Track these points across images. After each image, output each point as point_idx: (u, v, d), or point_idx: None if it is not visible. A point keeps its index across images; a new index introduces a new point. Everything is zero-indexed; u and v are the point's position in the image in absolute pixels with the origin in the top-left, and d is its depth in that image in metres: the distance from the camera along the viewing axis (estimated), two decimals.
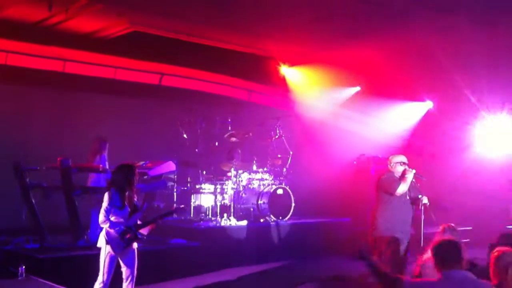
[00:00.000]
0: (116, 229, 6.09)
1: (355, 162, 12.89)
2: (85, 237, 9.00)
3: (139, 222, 6.31)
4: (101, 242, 6.14)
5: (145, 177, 9.40)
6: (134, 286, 6.33)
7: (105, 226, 6.09)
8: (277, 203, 11.25)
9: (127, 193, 6.20)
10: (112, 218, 6.12)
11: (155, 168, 9.69)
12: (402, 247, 7.09)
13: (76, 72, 11.63)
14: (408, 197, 7.21)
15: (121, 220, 6.14)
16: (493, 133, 12.29)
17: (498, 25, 9.28)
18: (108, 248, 6.07)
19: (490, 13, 8.93)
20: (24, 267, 7.45)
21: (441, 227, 5.33)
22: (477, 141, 12.64)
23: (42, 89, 11.65)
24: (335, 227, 12.11)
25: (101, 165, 9.32)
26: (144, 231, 6.29)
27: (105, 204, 6.14)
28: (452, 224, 5.85)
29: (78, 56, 11.53)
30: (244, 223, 10.87)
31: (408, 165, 7.25)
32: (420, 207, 7.14)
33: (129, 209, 6.19)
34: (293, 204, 11.45)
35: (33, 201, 8.85)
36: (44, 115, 11.62)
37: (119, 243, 6.08)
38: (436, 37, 10.30)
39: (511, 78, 10.93)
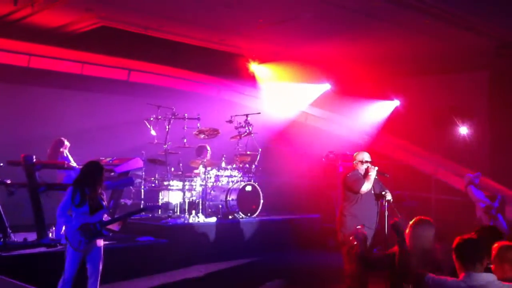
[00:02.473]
0: (72, 224, 6.06)
1: (323, 159, 12.97)
2: (50, 234, 8.86)
3: (105, 219, 6.26)
4: (63, 238, 6.15)
5: (112, 174, 9.27)
6: (101, 283, 6.29)
7: (60, 220, 6.05)
8: (245, 200, 11.26)
9: (88, 191, 6.15)
10: (72, 214, 6.09)
11: (122, 165, 9.57)
12: (368, 242, 7.17)
13: (41, 67, 11.43)
14: (372, 193, 7.31)
15: (81, 216, 6.09)
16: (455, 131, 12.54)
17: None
18: (68, 244, 6.06)
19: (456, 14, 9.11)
20: None
21: (414, 219, 5.38)
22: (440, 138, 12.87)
23: (6, 84, 11.41)
24: (304, 223, 12.19)
25: (66, 162, 9.18)
26: (114, 227, 6.26)
27: (64, 198, 6.13)
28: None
29: (44, 51, 11.33)
30: (213, 220, 10.85)
31: (371, 162, 7.36)
32: (384, 203, 7.24)
33: (89, 207, 6.13)
34: (261, 201, 11.46)
35: None
36: (8, 111, 11.38)
37: (79, 239, 6.04)
38: (402, 37, 10.47)
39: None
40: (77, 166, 9.15)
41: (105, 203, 6.35)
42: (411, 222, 5.19)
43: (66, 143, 9.77)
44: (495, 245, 4.40)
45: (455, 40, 10.49)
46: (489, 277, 4.17)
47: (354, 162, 7.49)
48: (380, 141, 13.41)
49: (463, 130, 12.53)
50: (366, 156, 7.44)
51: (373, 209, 7.34)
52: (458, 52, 11.28)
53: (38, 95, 11.79)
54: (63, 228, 6.12)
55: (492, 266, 4.35)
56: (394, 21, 9.65)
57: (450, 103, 12.59)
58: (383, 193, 7.23)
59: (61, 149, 9.58)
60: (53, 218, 8.95)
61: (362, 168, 7.37)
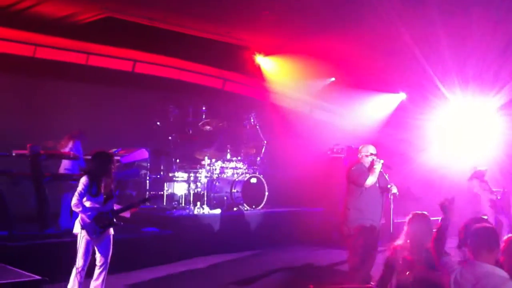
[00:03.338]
0: (88, 214, 6.10)
1: (328, 152, 12.94)
2: (55, 224, 8.89)
3: (115, 207, 6.31)
4: (77, 227, 6.17)
5: (117, 164, 9.30)
6: (108, 273, 6.33)
7: (77, 210, 6.09)
8: (250, 192, 11.27)
9: (103, 181, 6.20)
10: (87, 204, 6.13)
11: (127, 156, 9.62)
12: (373, 236, 7.16)
13: (47, 58, 11.42)
14: (377, 187, 7.28)
15: (96, 206, 6.15)
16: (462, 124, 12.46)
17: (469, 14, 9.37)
18: (84, 233, 6.11)
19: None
20: None
21: (410, 215, 5.39)
22: (447, 132, 12.82)
23: (12, 74, 11.40)
24: (308, 216, 12.17)
25: (72, 152, 9.18)
26: (126, 214, 6.34)
27: (79, 188, 6.15)
28: (425, 212, 5.90)
29: (50, 41, 11.32)
30: (217, 211, 10.86)
31: (376, 155, 7.31)
32: (389, 196, 7.22)
33: (104, 196, 6.19)
34: (266, 193, 11.48)
35: (0, 187, 8.66)
36: (14, 101, 11.39)
37: (94, 228, 6.11)
38: (408, 28, 10.39)
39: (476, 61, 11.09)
40: (80, 157, 9.16)
41: (114, 192, 6.39)
42: (407, 219, 5.25)
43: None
44: (506, 237, 4.42)
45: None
46: (489, 268, 4.17)
47: (359, 155, 7.45)
48: (385, 134, 13.36)
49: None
50: (371, 149, 7.38)
51: (378, 203, 7.31)
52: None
53: (44, 85, 11.79)
54: (78, 217, 6.14)
55: (501, 258, 4.36)
56: (398, 12, 9.58)
57: None
58: (388, 186, 7.21)
59: (78, 138, 9.50)
60: (57, 208, 9.07)
61: (367, 161, 7.32)
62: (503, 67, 10.98)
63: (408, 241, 5.19)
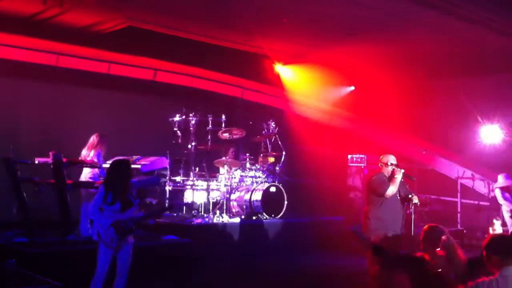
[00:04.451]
0: (104, 222, 6.13)
1: (348, 161, 12.89)
2: (76, 232, 8.96)
3: (136, 215, 6.33)
4: (95, 235, 6.20)
5: (138, 172, 9.35)
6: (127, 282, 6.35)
7: (93, 218, 6.13)
8: (269, 201, 11.25)
9: (118, 189, 6.21)
10: (104, 212, 6.16)
11: (148, 164, 9.65)
12: (394, 246, 7.10)
13: (69, 66, 11.58)
14: (398, 197, 7.22)
15: (113, 214, 6.16)
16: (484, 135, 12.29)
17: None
18: (101, 241, 6.13)
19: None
20: (14, 260, 7.40)
21: (426, 226, 5.36)
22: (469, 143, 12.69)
23: (35, 82, 11.57)
24: (328, 225, 12.12)
25: (94, 160, 9.26)
26: (151, 221, 6.35)
27: (96, 197, 6.22)
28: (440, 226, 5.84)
29: (72, 50, 11.47)
30: (236, 220, 10.86)
31: (397, 165, 7.26)
32: (411, 206, 7.16)
33: (120, 204, 6.19)
34: (285, 202, 11.44)
35: (24, 195, 8.77)
36: (36, 109, 11.54)
37: (111, 236, 6.11)
38: (428, 39, 10.35)
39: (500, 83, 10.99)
40: (102, 165, 9.23)
41: (134, 200, 6.40)
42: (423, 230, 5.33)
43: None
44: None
45: (479, 41, 10.35)
46: None
47: (380, 164, 7.41)
48: (405, 143, 13.28)
49: (489, 133, 12.30)
50: (391, 159, 7.34)
51: (398, 213, 7.24)
52: (482, 54, 11.12)
53: (66, 94, 11.93)
54: (92, 225, 6.19)
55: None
56: (419, 22, 9.55)
57: (476, 105, 12.40)
58: (409, 196, 7.15)
59: (99, 146, 9.57)
60: (78, 215, 9.15)
61: (387, 171, 7.27)
62: None
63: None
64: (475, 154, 12.52)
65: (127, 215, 6.25)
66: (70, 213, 8.80)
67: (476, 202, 12.53)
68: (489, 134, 12.05)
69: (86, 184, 9.17)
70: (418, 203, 7.15)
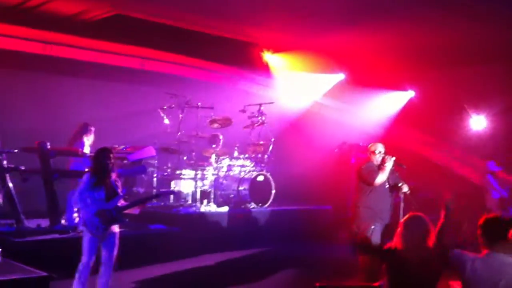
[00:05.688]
0: (88, 210, 6.12)
1: (336, 150, 12.90)
2: (63, 221, 8.92)
3: (121, 204, 6.31)
4: (81, 224, 6.23)
5: (125, 161, 9.30)
6: (114, 270, 6.34)
7: (77, 207, 6.15)
8: (257, 190, 11.26)
9: (102, 177, 6.20)
10: (88, 201, 6.15)
11: (135, 153, 9.60)
12: (382, 234, 7.12)
13: (57, 55, 11.44)
14: (387, 185, 7.24)
15: (98, 203, 6.15)
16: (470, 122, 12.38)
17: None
18: (86, 230, 6.12)
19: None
20: (0, 249, 7.36)
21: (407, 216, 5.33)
22: (455, 130, 12.75)
23: (21, 71, 11.46)
24: (316, 214, 12.17)
25: (80, 149, 9.20)
26: (134, 211, 6.34)
27: (81, 185, 6.20)
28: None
29: (60, 38, 11.33)
30: (224, 209, 10.86)
31: (386, 153, 7.27)
32: (400, 195, 7.19)
33: (105, 193, 6.17)
34: (273, 191, 11.46)
35: (10, 184, 8.70)
36: (23, 98, 11.43)
37: (96, 225, 6.10)
38: (418, 28, 10.34)
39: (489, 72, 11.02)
40: (89, 154, 9.18)
41: (120, 189, 6.38)
42: (403, 219, 5.12)
43: (91, 130, 9.68)
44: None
45: (472, 31, 10.36)
46: (505, 258, 4.23)
47: (369, 153, 7.42)
48: (394, 132, 13.30)
49: (478, 122, 12.37)
50: (380, 147, 7.36)
51: (387, 201, 7.28)
52: (474, 44, 11.13)
53: (54, 83, 11.84)
54: (79, 214, 6.18)
55: None
56: (410, 11, 9.54)
57: (466, 95, 12.44)
58: (399, 184, 7.18)
59: (84, 136, 9.53)
60: (64, 205, 9.10)
61: (376, 159, 7.29)
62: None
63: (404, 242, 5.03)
64: (464, 142, 12.59)
65: (112, 204, 6.23)
66: (57, 202, 8.76)
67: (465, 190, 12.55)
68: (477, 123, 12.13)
69: (73, 173, 9.11)
70: (408, 191, 7.18)
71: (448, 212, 4.92)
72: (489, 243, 4.35)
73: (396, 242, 4.95)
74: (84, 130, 9.54)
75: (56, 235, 8.41)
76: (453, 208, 5.04)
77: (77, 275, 6.15)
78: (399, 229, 5.02)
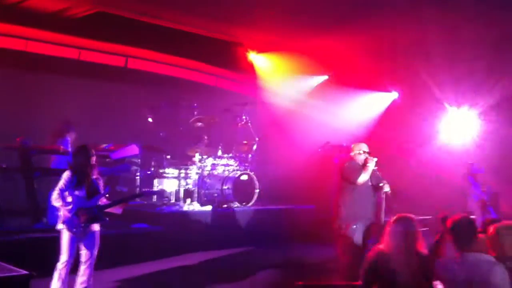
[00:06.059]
0: (69, 208, 6.06)
1: (319, 150, 12.94)
2: (44, 219, 8.84)
3: (103, 203, 6.26)
4: (60, 222, 6.13)
5: (108, 160, 9.25)
6: (95, 269, 6.29)
7: (57, 205, 6.07)
8: (241, 189, 11.25)
9: (82, 175, 6.16)
10: (69, 199, 6.09)
11: (118, 151, 9.57)
12: (364, 233, 7.16)
13: (39, 52, 11.35)
14: (370, 184, 7.29)
15: (78, 201, 6.10)
16: (454, 125, 12.48)
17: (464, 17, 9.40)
18: (66, 228, 6.07)
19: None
20: None
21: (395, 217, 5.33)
22: (440, 132, 12.86)
23: (2, 68, 11.31)
24: (299, 213, 12.17)
25: (61, 147, 9.12)
26: (116, 210, 6.29)
27: (61, 183, 6.13)
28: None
29: (42, 35, 11.24)
30: (208, 208, 10.84)
31: (369, 153, 7.33)
32: (381, 194, 7.23)
33: (86, 191, 6.13)
34: (257, 190, 11.46)
35: None
36: (4, 95, 11.28)
37: (76, 223, 6.05)
38: (402, 29, 10.40)
39: (472, 71, 11.10)
40: (69, 152, 9.11)
41: (102, 188, 6.34)
42: (391, 220, 5.08)
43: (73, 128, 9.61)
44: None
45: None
46: (477, 256, 4.29)
47: (352, 153, 7.46)
48: (377, 133, 13.37)
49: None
50: (364, 147, 7.41)
51: (369, 201, 7.32)
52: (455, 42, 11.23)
53: (35, 80, 11.71)
54: (59, 212, 6.11)
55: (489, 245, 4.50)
56: (394, 11, 9.60)
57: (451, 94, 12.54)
58: (380, 184, 7.22)
59: (67, 134, 9.45)
60: (46, 203, 9.01)
61: (360, 159, 7.34)
62: (494, 67, 11.02)
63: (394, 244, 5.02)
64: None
65: (93, 203, 6.18)
66: (38, 201, 8.69)
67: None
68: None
69: (54, 171, 9.03)
70: (389, 191, 7.23)
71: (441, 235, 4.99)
72: (461, 245, 4.39)
73: (383, 243, 4.95)
74: (67, 128, 9.47)
75: (37, 234, 8.33)
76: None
77: (56, 274, 6.09)
78: (387, 230, 5.03)
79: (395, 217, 5.09)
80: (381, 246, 4.99)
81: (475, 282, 4.21)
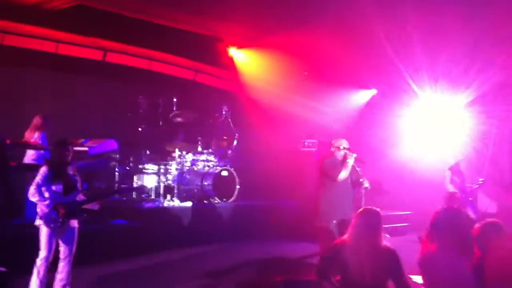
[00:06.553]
0: (46, 203, 6.00)
1: (300, 146, 12.96)
2: (21, 215, 8.70)
3: (80, 198, 6.19)
4: (37, 218, 6.08)
5: (86, 155, 9.14)
6: (74, 266, 6.23)
7: (34, 200, 6.00)
8: (221, 185, 11.22)
9: (59, 170, 6.11)
10: (46, 194, 6.04)
11: (96, 146, 9.45)
12: (344, 229, 7.17)
13: (16, 45, 11.15)
14: (349, 181, 7.32)
15: (55, 196, 6.04)
16: (433, 120, 12.60)
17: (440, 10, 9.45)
18: (43, 224, 6.01)
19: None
20: None
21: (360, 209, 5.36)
22: (418, 128, 12.97)
23: None
24: (280, 209, 12.16)
25: (39, 142, 8.98)
26: (94, 206, 6.24)
27: (37, 178, 6.08)
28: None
29: (19, 28, 11.04)
30: (188, 204, 10.78)
31: (349, 149, 7.35)
32: (361, 190, 7.27)
33: (63, 186, 6.05)
34: (237, 186, 11.44)
35: None
36: None
37: (53, 218, 5.99)
38: (380, 24, 10.43)
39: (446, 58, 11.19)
40: (46, 147, 8.98)
41: (79, 184, 6.27)
42: (357, 212, 5.16)
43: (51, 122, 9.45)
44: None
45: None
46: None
47: (332, 148, 7.48)
48: (357, 129, 13.43)
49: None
50: (344, 143, 7.43)
51: (349, 196, 7.36)
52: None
53: (12, 74, 11.49)
54: (37, 208, 6.03)
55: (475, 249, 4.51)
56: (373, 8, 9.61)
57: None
58: (360, 180, 7.25)
59: (44, 129, 9.30)
60: (23, 199, 8.87)
61: (340, 155, 7.36)
62: (472, 64, 11.13)
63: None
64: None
65: (70, 198, 6.14)
66: (14, 196, 8.55)
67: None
68: None
69: (30, 166, 8.89)
70: (369, 187, 7.26)
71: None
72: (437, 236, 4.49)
73: (347, 234, 5.00)
74: (44, 122, 9.32)
75: (13, 230, 8.21)
76: None
77: (35, 271, 6.01)
78: (352, 221, 5.08)
79: (360, 209, 5.16)
80: (345, 237, 5.05)
81: None
